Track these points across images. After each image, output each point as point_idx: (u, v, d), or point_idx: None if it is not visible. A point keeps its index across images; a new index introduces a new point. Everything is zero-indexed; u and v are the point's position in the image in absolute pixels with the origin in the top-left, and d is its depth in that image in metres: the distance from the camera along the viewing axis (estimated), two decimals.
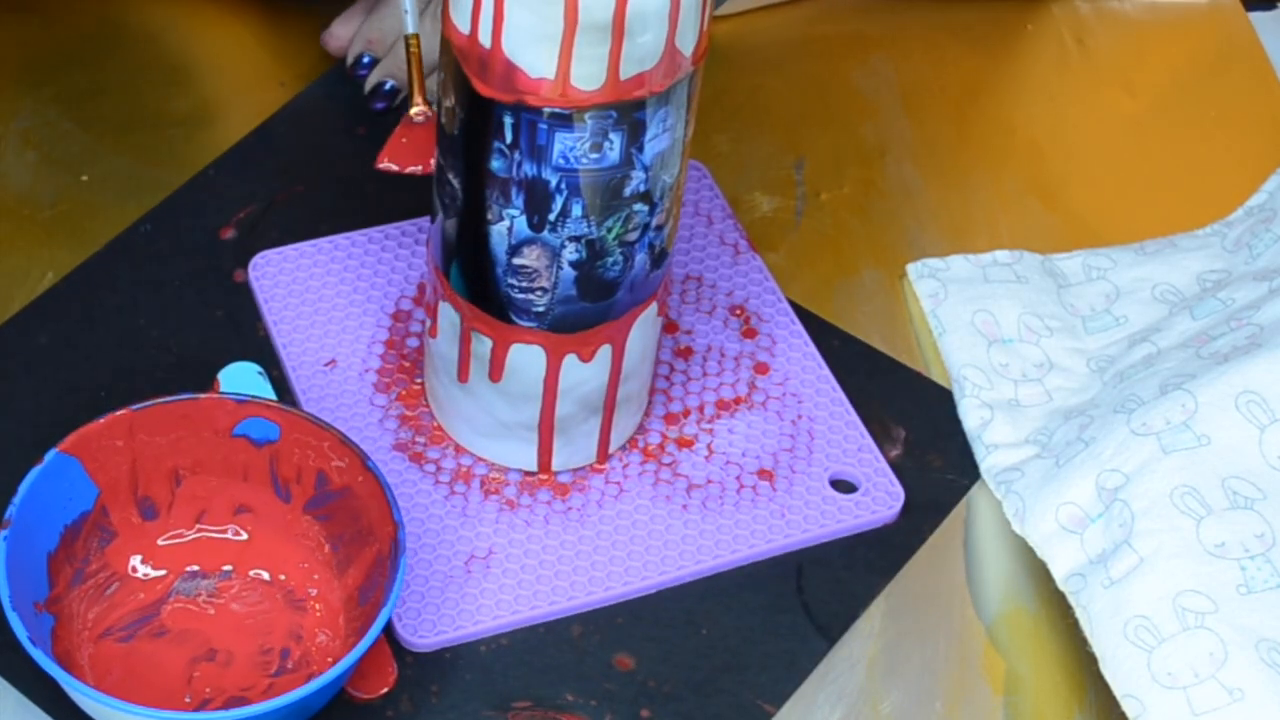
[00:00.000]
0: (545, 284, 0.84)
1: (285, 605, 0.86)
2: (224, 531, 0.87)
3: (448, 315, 0.88)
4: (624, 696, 0.85)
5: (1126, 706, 0.84)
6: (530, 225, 0.82)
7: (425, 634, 0.86)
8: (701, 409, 0.94)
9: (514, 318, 0.85)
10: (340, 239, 0.98)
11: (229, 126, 1.04)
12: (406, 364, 0.94)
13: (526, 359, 0.87)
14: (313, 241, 0.98)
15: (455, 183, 0.83)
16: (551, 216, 0.82)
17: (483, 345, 0.87)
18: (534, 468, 0.91)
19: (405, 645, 0.86)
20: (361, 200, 1.01)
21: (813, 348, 0.97)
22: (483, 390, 0.89)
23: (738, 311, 0.98)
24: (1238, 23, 1.15)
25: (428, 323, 0.90)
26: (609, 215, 0.82)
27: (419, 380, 0.94)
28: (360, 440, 0.91)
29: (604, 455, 0.92)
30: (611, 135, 0.80)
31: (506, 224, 0.83)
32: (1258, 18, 1.18)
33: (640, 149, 0.81)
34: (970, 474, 0.94)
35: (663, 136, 0.81)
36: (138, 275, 0.97)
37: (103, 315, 0.95)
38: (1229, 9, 1.16)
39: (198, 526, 0.87)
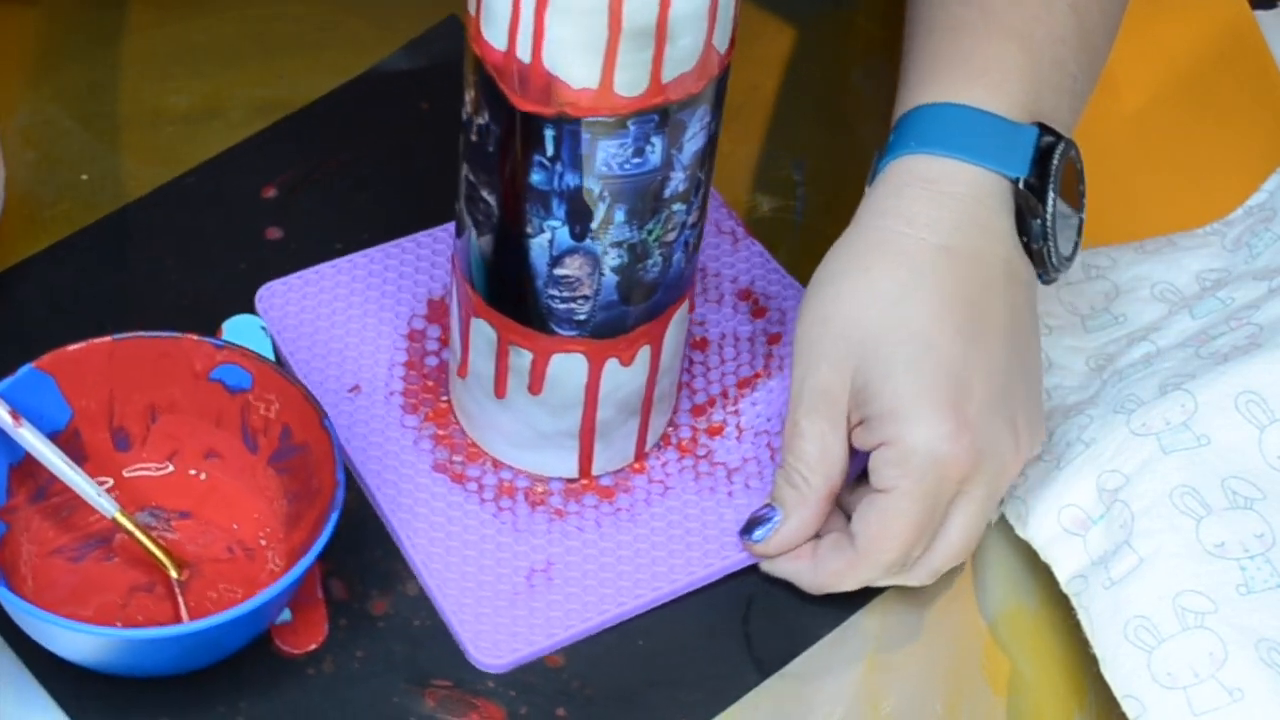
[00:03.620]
0: (587, 291, 0.83)
1: (235, 554, 0.86)
2: (190, 473, 0.88)
3: (482, 332, 0.87)
4: (547, 691, 0.85)
5: (1127, 707, 0.84)
6: (572, 235, 0.81)
7: (501, 654, 0.85)
8: (725, 394, 0.94)
9: (554, 328, 0.85)
10: (343, 262, 0.97)
11: (229, 125, 1.04)
12: (430, 382, 0.93)
13: (567, 368, 0.86)
14: (315, 269, 0.97)
15: (490, 199, 0.82)
16: (594, 225, 0.81)
17: (522, 359, 0.86)
18: (575, 474, 0.91)
19: (480, 668, 0.85)
20: (366, 200, 1.01)
21: None
22: (521, 403, 0.88)
23: (745, 295, 0.98)
24: (1242, 20, 1.15)
25: (456, 352, 0.89)
26: (650, 218, 0.82)
27: (445, 398, 0.93)
28: (399, 464, 0.90)
29: (641, 455, 0.92)
30: (654, 139, 0.79)
31: (547, 236, 0.82)
32: (1262, 16, 1.18)
33: (680, 149, 0.80)
34: None
35: (700, 134, 0.81)
36: (172, 223, 0.98)
37: (133, 258, 0.97)
38: (1233, 6, 1.16)
39: (167, 464, 0.88)
